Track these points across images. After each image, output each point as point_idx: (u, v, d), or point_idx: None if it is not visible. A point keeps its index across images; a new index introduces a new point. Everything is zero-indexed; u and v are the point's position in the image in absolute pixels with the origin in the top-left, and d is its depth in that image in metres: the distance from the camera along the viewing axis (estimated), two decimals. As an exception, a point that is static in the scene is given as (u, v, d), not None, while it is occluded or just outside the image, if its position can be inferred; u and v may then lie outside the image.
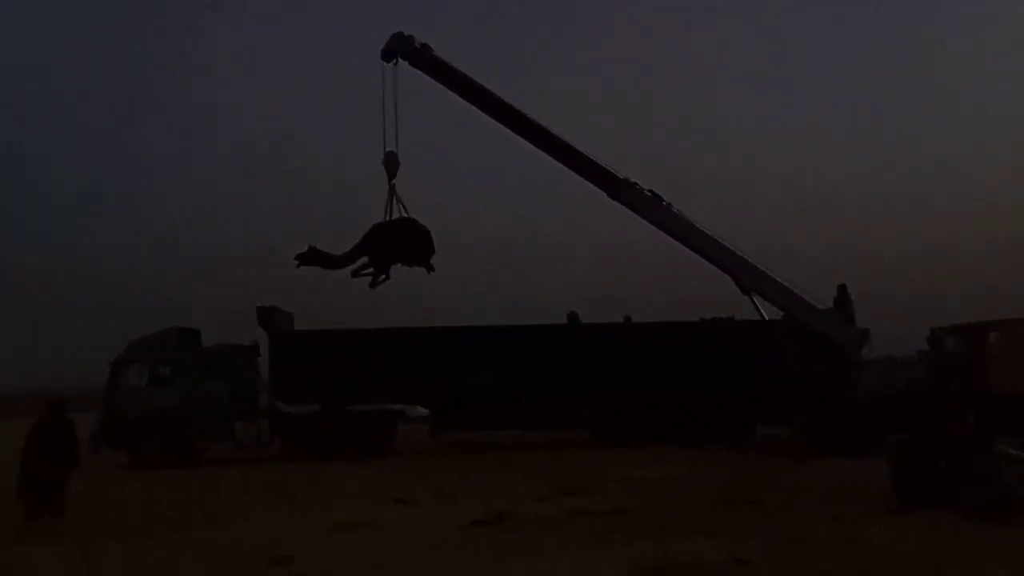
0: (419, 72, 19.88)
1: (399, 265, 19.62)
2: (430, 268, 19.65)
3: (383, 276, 19.59)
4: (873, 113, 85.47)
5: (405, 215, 19.58)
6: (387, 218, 19.57)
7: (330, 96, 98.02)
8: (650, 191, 20.15)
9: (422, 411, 21.67)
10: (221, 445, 20.34)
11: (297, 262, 19.48)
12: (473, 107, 20.14)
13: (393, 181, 19.55)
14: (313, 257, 19.50)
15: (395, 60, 19.54)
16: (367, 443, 19.86)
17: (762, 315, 20.20)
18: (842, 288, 20.37)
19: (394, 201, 19.55)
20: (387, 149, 19.45)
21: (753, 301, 19.99)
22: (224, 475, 17.77)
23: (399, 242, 19.34)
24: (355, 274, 19.61)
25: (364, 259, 19.54)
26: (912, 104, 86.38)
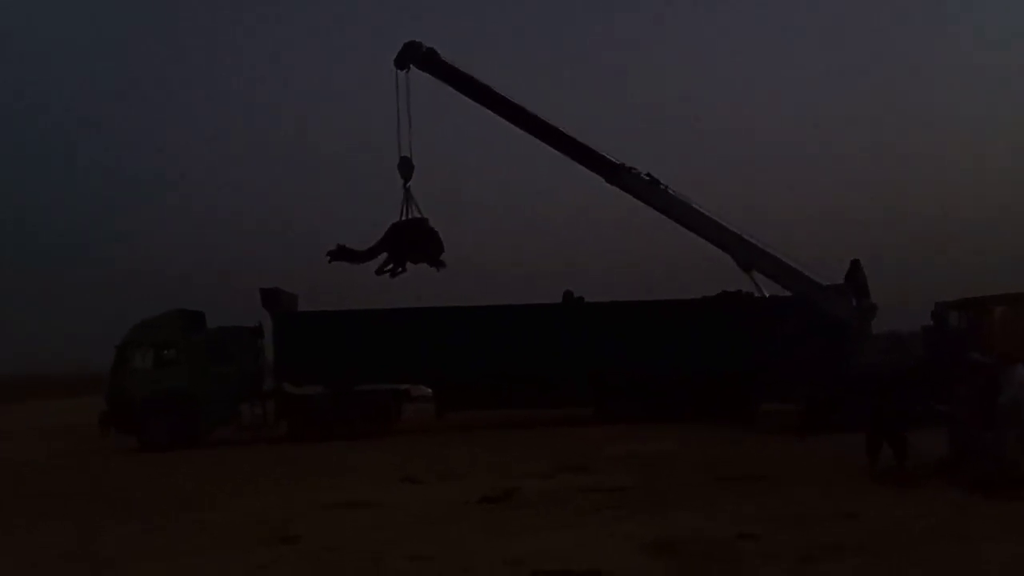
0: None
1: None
2: (439, 266, 20.82)
3: (400, 269, 20.90)
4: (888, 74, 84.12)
5: (419, 215, 20.88)
6: (402, 218, 20.89)
7: (343, 81, 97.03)
8: (647, 175, 20.68)
9: (426, 390, 21.85)
10: (227, 427, 20.47)
11: (328, 258, 20.98)
12: (478, 104, 21.23)
13: (408, 184, 20.78)
14: (341, 254, 21.02)
15: (407, 67, 20.77)
16: (372, 423, 19.96)
17: (762, 292, 20.25)
18: (855, 263, 20.34)
19: (409, 202, 20.84)
20: (401, 155, 20.75)
21: (753, 279, 20.04)
22: (231, 456, 17.89)
23: (412, 240, 20.72)
24: (379, 271, 20.97)
25: (384, 255, 20.83)
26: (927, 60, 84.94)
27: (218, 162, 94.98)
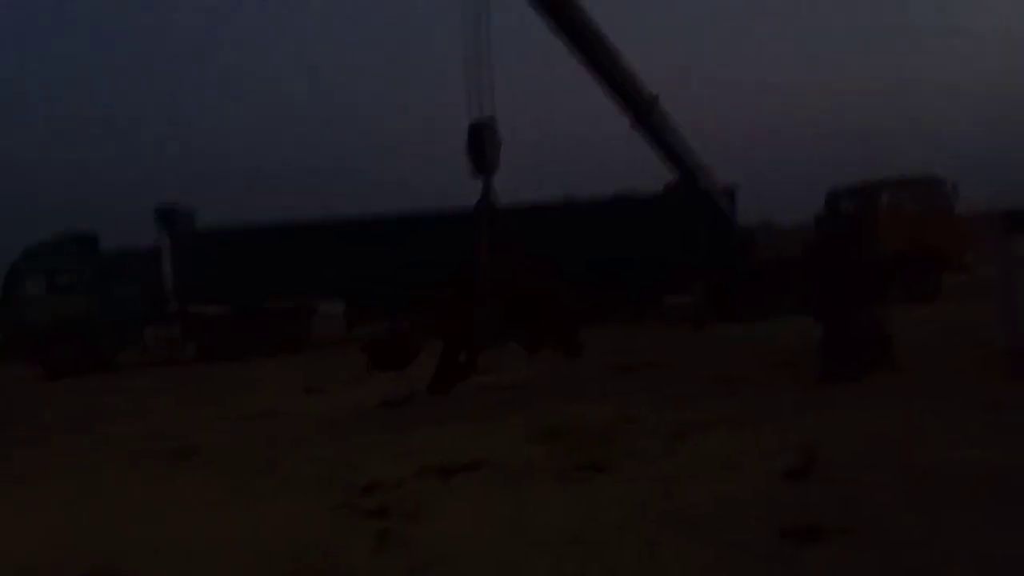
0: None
1: None
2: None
3: None
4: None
5: None
6: None
7: None
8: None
9: (339, 306, 21.78)
10: (132, 350, 20.13)
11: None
12: None
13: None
14: None
15: None
16: (281, 339, 19.89)
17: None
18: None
19: None
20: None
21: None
22: (136, 379, 17.66)
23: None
24: None
25: None
26: None
27: (93, 67, 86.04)
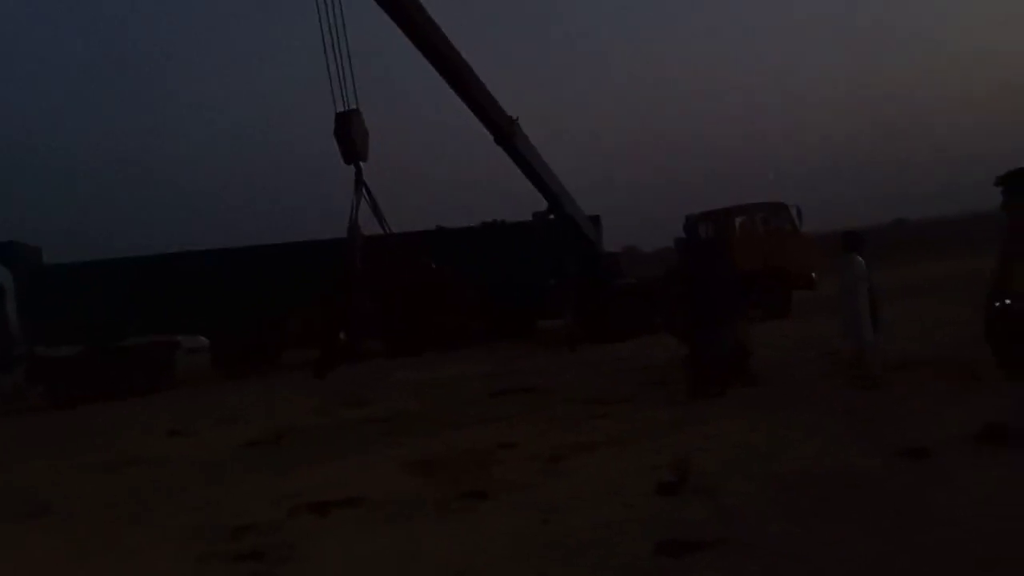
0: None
1: None
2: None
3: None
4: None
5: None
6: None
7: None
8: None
9: (203, 341, 20.82)
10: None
11: None
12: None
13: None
14: None
15: None
16: (143, 379, 18.75)
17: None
18: None
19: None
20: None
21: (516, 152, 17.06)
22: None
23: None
24: None
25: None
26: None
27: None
